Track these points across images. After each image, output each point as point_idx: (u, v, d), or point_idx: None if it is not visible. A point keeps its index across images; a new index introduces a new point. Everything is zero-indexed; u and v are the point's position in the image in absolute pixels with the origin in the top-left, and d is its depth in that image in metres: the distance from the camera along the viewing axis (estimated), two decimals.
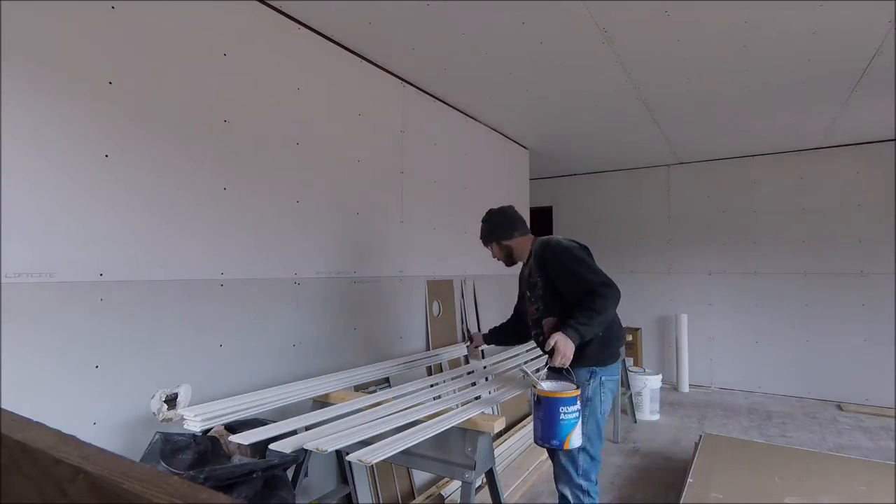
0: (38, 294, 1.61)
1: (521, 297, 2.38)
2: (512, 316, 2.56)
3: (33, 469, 0.39)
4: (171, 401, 1.77)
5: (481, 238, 2.36)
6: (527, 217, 5.22)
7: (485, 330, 2.80)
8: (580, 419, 1.83)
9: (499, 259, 2.34)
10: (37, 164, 1.63)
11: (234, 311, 2.24)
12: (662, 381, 4.65)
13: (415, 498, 2.80)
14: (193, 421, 1.71)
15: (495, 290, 4.39)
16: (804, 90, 3.58)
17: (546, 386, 1.88)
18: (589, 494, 2.00)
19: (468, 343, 2.66)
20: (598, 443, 2.05)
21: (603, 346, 2.04)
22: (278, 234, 2.45)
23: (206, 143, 2.14)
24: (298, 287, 2.55)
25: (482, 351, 2.81)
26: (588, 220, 6.48)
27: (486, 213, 2.35)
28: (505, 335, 2.55)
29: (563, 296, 2.04)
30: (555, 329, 1.95)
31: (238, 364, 2.23)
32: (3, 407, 0.49)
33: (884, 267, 4.91)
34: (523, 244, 2.27)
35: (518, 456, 3.42)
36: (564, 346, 1.85)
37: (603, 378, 2.04)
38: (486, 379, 2.65)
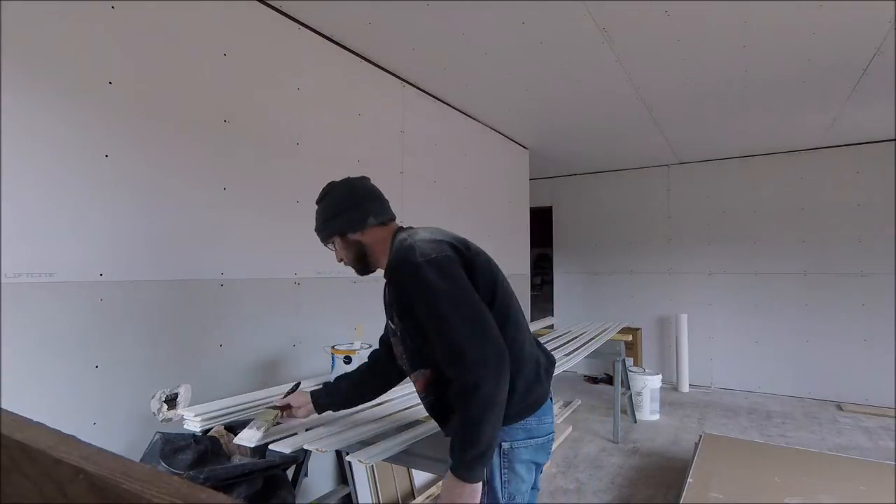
0: (38, 294, 1.61)
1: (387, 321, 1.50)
2: (370, 357, 1.66)
3: (33, 469, 0.39)
4: (171, 401, 1.77)
5: (316, 231, 1.49)
6: (527, 217, 5.25)
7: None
8: None
9: (347, 264, 1.49)
10: (37, 164, 1.63)
11: (234, 311, 2.24)
12: (662, 381, 4.65)
13: (415, 498, 2.80)
14: (193, 421, 1.71)
15: None
16: (804, 90, 3.58)
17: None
18: None
19: (278, 406, 1.61)
20: None
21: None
22: (278, 234, 2.45)
23: (206, 143, 2.14)
24: (298, 287, 2.55)
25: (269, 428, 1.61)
26: (588, 220, 6.48)
27: (323, 190, 1.48)
28: (357, 390, 1.62)
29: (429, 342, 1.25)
30: (434, 411, 1.35)
31: (238, 364, 2.24)
32: (3, 407, 0.49)
33: (884, 267, 4.91)
34: (382, 239, 1.41)
35: None
36: (459, 500, 1.16)
37: (507, 444, 1.27)
38: None
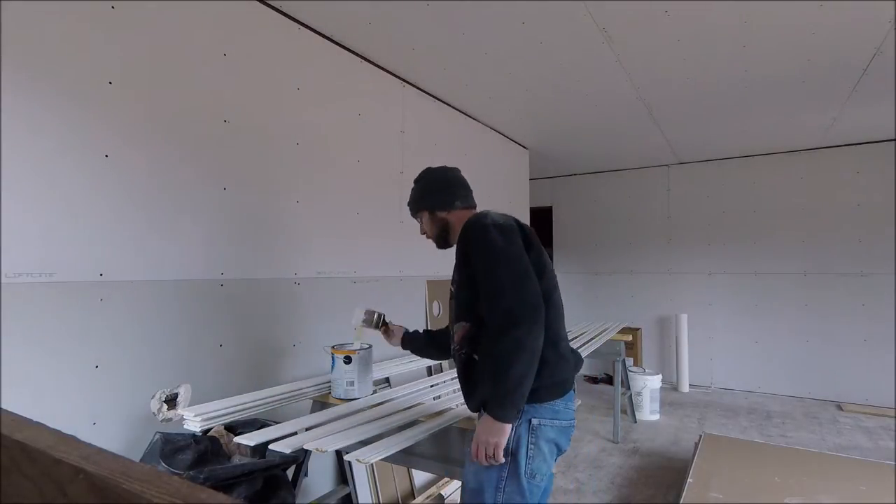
0: (38, 294, 1.61)
1: None
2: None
3: (33, 469, 0.39)
4: (171, 401, 1.77)
5: (409, 205, 1.74)
6: (527, 217, 5.24)
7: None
8: None
9: (429, 237, 1.71)
10: (37, 163, 1.63)
11: (234, 311, 2.24)
12: (662, 381, 4.65)
13: (415, 498, 2.80)
14: (193, 421, 1.71)
15: None
16: (804, 90, 3.58)
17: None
18: None
19: (377, 327, 1.98)
20: None
21: (539, 368, 1.34)
22: (278, 234, 2.45)
23: (206, 143, 2.14)
24: (298, 287, 2.55)
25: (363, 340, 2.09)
26: (588, 220, 6.48)
27: (421, 173, 1.74)
28: (428, 343, 1.91)
29: (478, 298, 1.42)
30: (466, 361, 1.47)
31: (238, 364, 2.24)
32: (3, 407, 0.49)
33: (884, 267, 4.91)
34: (462, 219, 1.58)
35: None
36: (487, 438, 1.31)
37: (536, 421, 1.37)
38: None
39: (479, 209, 1.63)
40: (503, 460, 1.33)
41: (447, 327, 1.78)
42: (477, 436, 1.34)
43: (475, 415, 1.60)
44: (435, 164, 1.80)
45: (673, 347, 5.74)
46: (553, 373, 1.39)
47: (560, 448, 1.45)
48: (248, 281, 2.30)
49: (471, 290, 1.43)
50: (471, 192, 1.71)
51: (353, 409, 1.95)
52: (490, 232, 1.40)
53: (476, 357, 1.45)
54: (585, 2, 2.44)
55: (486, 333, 1.35)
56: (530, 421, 1.37)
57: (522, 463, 1.36)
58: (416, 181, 1.74)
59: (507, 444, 1.34)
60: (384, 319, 2.00)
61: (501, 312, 1.30)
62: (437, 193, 1.66)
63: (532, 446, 1.37)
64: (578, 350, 3.48)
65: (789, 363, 5.30)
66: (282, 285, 2.47)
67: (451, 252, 1.60)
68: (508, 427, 1.31)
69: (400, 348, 1.97)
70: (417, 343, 1.92)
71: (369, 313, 1.98)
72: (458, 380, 1.57)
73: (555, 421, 1.40)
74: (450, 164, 1.77)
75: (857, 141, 4.99)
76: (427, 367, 3.17)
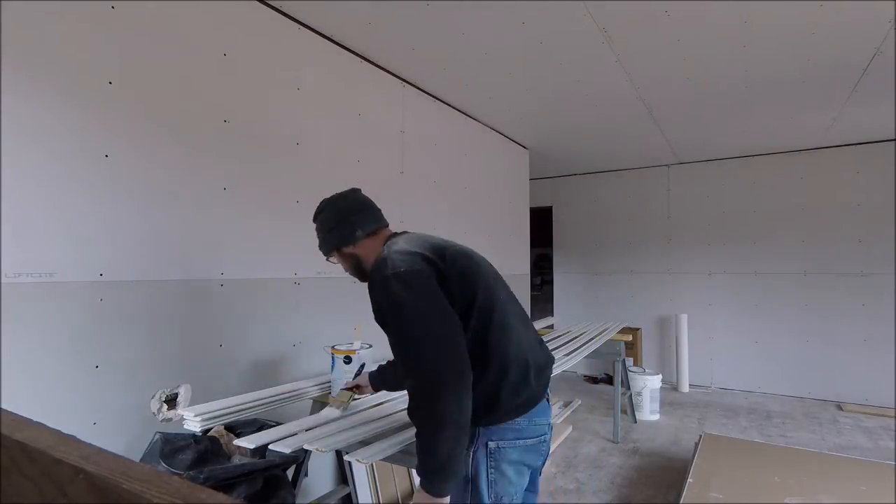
0: (38, 294, 1.61)
1: None
2: None
3: (33, 469, 0.39)
4: (171, 401, 1.77)
5: (319, 249, 1.55)
6: (527, 217, 5.25)
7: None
8: None
9: (351, 275, 1.56)
10: (37, 163, 1.63)
11: (234, 311, 2.24)
12: (662, 381, 4.65)
13: None
14: (193, 421, 1.71)
15: None
16: (804, 90, 3.58)
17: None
18: None
19: (351, 397, 1.86)
20: None
21: (485, 390, 1.24)
22: (278, 234, 2.45)
23: (206, 143, 2.14)
24: (298, 287, 2.55)
25: (347, 402, 1.86)
26: (588, 220, 6.48)
27: (316, 209, 1.55)
28: (396, 377, 1.77)
29: None
30: None
31: (238, 364, 2.24)
32: (3, 407, 0.49)
33: (884, 267, 4.91)
34: (373, 249, 1.44)
35: None
36: None
37: (493, 444, 1.26)
38: None
39: (407, 233, 1.48)
40: None
41: None
42: None
43: None
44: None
45: (673, 347, 5.74)
46: (508, 401, 1.27)
47: (530, 466, 1.34)
48: (248, 281, 2.30)
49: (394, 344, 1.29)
50: (375, 212, 1.52)
51: (353, 409, 1.95)
52: (392, 286, 1.22)
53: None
54: (585, 2, 2.44)
55: (409, 397, 1.22)
56: (487, 444, 1.26)
57: (484, 490, 1.26)
58: (313, 220, 1.55)
59: (465, 471, 1.25)
60: (352, 388, 1.88)
61: (419, 384, 1.17)
62: (336, 230, 1.48)
63: (493, 471, 1.26)
64: (578, 350, 3.51)
65: (789, 363, 5.30)
66: (282, 285, 2.47)
67: None
68: (446, 499, 1.17)
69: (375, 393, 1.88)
70: (382, 378, 1.80)
71: (338, 402, 1.86)
72: None
73: (517, 441, 1.28)
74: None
75: (857, 141, 4.99)
76: None
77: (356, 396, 1.88)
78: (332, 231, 1.49)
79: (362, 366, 2.04)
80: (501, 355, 1.28)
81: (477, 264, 1.38)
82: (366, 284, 1.37)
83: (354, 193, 1.56)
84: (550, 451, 1.55)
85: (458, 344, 1.19)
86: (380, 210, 1.55)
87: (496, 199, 4.58)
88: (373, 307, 1.34)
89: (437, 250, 1.34)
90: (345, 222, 1.47)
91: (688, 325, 5.63)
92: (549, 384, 1.42)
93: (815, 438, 4.02)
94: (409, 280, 1.23)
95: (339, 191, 1.58)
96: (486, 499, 1.26)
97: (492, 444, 1.27)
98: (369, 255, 1.45)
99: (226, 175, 2.22)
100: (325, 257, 1.55)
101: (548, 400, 1.40)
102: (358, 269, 1.51)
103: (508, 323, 1.33)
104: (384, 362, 1.85)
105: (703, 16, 2.57)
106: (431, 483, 1.16)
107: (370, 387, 1.83)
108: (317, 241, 1.54)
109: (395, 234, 1.48)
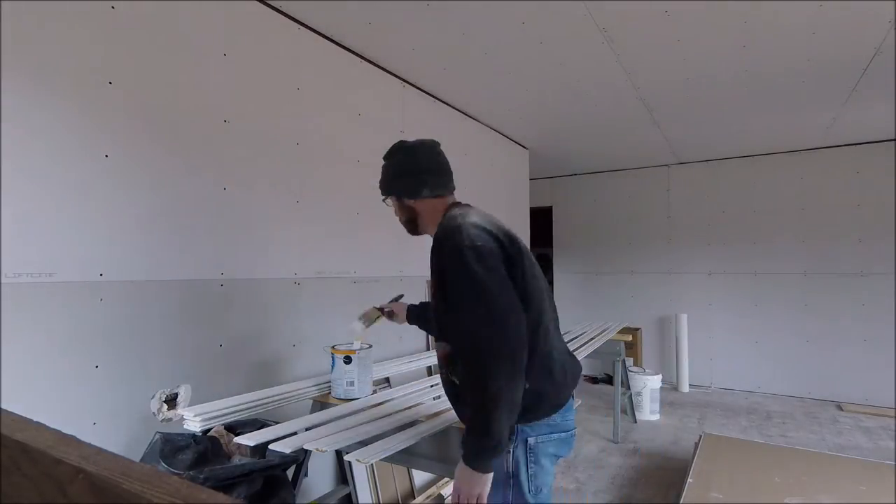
0: (38, 294, 1.61)
1: None
2: None
3: (33, 469, 0.39)
4: (171, 401, 1.77)
5: (379, 185, 1.59)
6: (527, 217, 5.24)
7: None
8: None
9: (400, 221, 1.60)
10: (37, 163, 1.63)
11: (234, 311, 2.24)
12: (662, 381, 4.65)
13: (415, 498, 2.80)
14: (193, 421, 1.71)
15: None
16: (804, 90, 3.58)
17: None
18: None
19: (379, 317, 1.92)
20: None
21: (529, 388, 1.24)
22: (278, 234, 2.45)
23: (206, 143, 2.14)
24: (298, 287, 2.55)
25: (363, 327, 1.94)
26: (588, 220, 6.48)
27: (392, 148, 1.58)
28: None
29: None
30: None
31: (238, 364, 2.23)
32: (3, 407, 0.49)
33: (884, 267, 4.92)
34: (434, 210, 1.47)
35: None
36: (469, 491, 1.19)
37: (533, 440, 1.31)
38: None
39: (474, 207, 1.45)
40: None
41: None
42: (457, 487, 1.21)
43: None
44: None
45: (673, 347, 5.74)
46: (547, 401, 1.33)
47: (561, 456, 1.40)
48: (248, 281, 2.30)
49: (446, 311, 1.33)
50: (447, 175, 1.52)
51: (353, 409, 1.95)
52: (466, 257, 1.22)
53: (456, 381, 1.37)
54: (585, 2, 2.44)
55: (462, 372, 1.25)
56: (527, 441, 1.30)
57: (525, 482, 1.31)
58: (384, 157, 1.57)
59: (506, 466, 1.30)
60: (383, 309, 1.94)
61: (477, 360, 1.17)
62: (404, 179, 1.49)
63: (533, 465, 1.31)
64: (579, 350, 3.50)
65: (789, 363, 5.30)
66: (282, 285, 2.47)
67: None
68: (490, 476, 1.20)
69: (407, 323, 1.90)
70: (425, 316, 1.80)
71: (366, 316, 1.94)
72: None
73: (553, 435, 1.35)
74: (450, 164, 1.67)
75: (857, 141, 4.99)
76: (427, 367, 3.16)
77: (384, 319, 1.92)
78: (400, 178, 1.50)
79: (400, 295, 2.03)
80: (546, 356, 1.32)
81: (533, 265, 1.39)
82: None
83: (434, 149, 1.54)
84: None
85: (519, 324, 1.19)
86: (451, 174, 1.54)
87: (496, 199, 4.58)
88: (433, 268, 1.37)
89: (508, 235, 1.35)
90: (416, 175, 1.47)
91: (688, 325, 5.63)
92: None
93: (815, 438, 4.02)
94: (483, 256, 1.23)
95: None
96: (527, 492, 1.31)
97: (531, 441, 1.31)
98: (427, 214, 1.48)
99: (226, 175, 2.22)
100: (381, 196, 1.58)
101: (573, 397, 1.46)
102: (411, 223, 1.54)
103: (552, 329, 1.39)
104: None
105: (703, 16, 2.57)
106: (479, 459, 1.18)
107: (404, 316, 1.85)
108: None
109: (458, 204, 1.48)
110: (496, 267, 1.24)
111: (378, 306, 1.94)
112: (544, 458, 1.33)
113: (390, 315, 1.90)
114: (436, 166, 1.51)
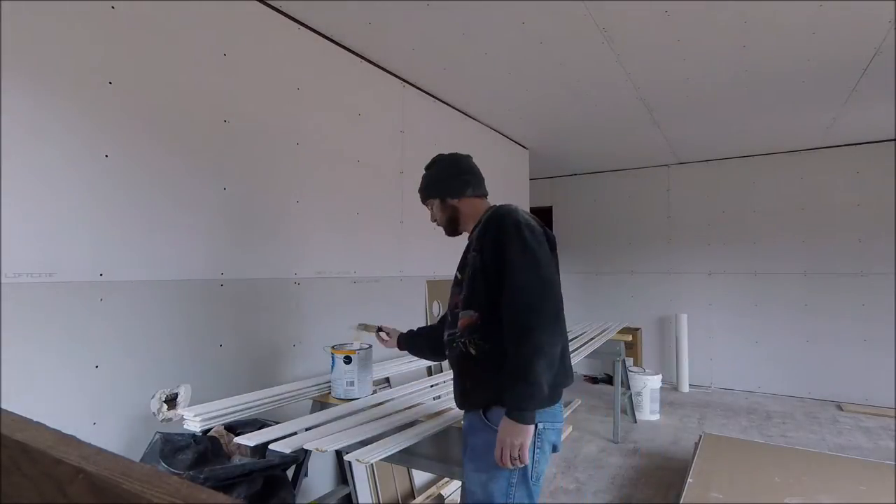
0: (38, 294, 1.61)
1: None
2: (439, 321, 1.84)
3: (33, 469, 0.39)
4: (171, 401, 1.77)
5: (420, 191, 1.74)
6: None
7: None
8: None
9: (439, 224, 1.71)
10: (37, 163, 1.62)
11: (234, 311, 2.24)
12: (662, 381, 4.65)
13: (415, 498, 2.80)
14: (193, 421, 1.71)
15: None
16: (804, 90, 3.58)
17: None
18: None
19: (376, 331, 2.02)
20: None
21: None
22: (278, 234, 2.45)
23: (206, 143, 2.14)
24: (298, 287, 2.55)
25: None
26: (588, 220, 6.48)
27: (433, 159, 1.74)
28: (425, 342, 1.86)
29: (493, 290, 1.42)
30: (467, 363, 1.45)
31: (238, 364, 2.23)
32: (3, 407, 0.49)
33: (884, 267, 4.91)
34: (475, 208, 1.64)
35: None
36: (511, 440, 1.29)
37: (541, 425, 1.38)
38: None
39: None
40: (528, 462, 1.33)
41: (435, 327, 1.82)
42: (500, 439, 1.30)
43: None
44: None
45: (673, 347, 5.74)
46: (560, 386, 1.41)
47: (556, 447, 1.47)
48: (248, 281, 2.30)
49: (488, 281, 1.42)
50: (482, 180, 1.70)
51: (353, 409, 1.95)
52: (523, 231, 1.39)
53: (473, 352, 1.43)
54: (585, 1, 2.44)
55: (505, 328, 1.35)
56: (536, 426, 1.36)
57: (530, 467, 1.37)
58: (427, 167, 1.73)
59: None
60: (381, 328, 2.05)
61: (527, 315, 1.30)
62: (448, 180, 1.65)
63: (538, 450, 1.38)
64: (579, 350, 3.51)
65: (789, 363, 5.30)
66: (282, 285, 2.47)
67: (452, 251, 1.60)
68: (531, 428, 1.30)
69: (397, 349, 1.98)
70: (414, 343, 1.90)
71: (371, 326, 2.08)
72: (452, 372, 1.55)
73: (555, 423, 1.43)
74: None
75: (857, 141, 4.99)
76: (427, 367, 3.16)
77: (377, 334, 2.02)
78: (444, 181, 1.66)
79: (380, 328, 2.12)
80: (563, 347, 1.40)
81: (557, 267, 1.51)
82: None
83: (469, 158, 1.73)
84: None
85: (559, 293, 1.37)
86: (484, 180, 1.72)
87: (496, 199, 4.56)
88: (476, 250, 1.49)
89: (547, 232, 1.51)
90: (459, 177, 1.64)
91: (688, 325, 5.63)
92: None
93: (815, 438, 4.02)
94: (536, 234, 1.42)
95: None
96: (530, 475, 1.38)
97: (540, 426, 1.37)
98: (468, 213, 1.64)
99: (226, 175, 2.22)
100: (422, 201, 1.73)
101: None
102: (452, 221, 1.67)
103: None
104: (415, 328, 1.96)
105: (703, 16, 2.57)
106: (523, 409, 1.28)
107: (393, 340, 1.96)
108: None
109: (492, 206, 1.62)
110: (544, 244, 1.43)
111: (379, 325, 2.04)
112: (547, 444, 1.41)
113: (383, 334, 2.00)
114: (475, 170, 1.70)
